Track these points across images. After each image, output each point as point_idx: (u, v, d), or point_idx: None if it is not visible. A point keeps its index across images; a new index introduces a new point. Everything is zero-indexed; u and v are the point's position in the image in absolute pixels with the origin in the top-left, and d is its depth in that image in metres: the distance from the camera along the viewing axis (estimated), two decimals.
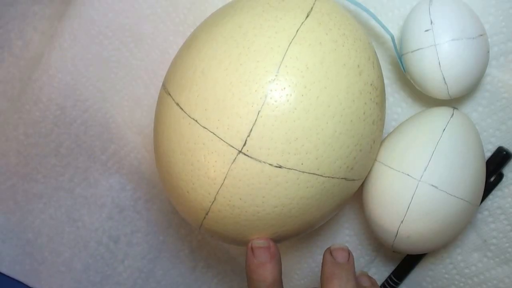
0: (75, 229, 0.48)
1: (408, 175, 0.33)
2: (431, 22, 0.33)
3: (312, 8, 0.32)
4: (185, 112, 0.31)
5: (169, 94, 0.33)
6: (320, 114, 0.30)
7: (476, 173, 0.34)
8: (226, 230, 0.33)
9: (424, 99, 0.38)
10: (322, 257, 0.34)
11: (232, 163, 0.31)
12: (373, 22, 0.38)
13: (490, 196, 0.38)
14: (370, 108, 0.32)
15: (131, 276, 0.48)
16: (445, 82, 0.34)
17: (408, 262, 0.40)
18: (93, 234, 0.48)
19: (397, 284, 0.41)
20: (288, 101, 0.30)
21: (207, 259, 0.48)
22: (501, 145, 0.37)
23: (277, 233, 0.33)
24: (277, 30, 0.31)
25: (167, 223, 0.48)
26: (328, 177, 0.32)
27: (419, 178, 0.33)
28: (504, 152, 0.37)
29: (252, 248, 0.33)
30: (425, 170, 0.33)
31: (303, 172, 0.31)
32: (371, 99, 0.32)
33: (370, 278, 0.36)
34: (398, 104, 0.39)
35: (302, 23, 0.31)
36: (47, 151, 0.48)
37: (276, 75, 0.30)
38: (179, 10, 0.43)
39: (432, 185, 0.33)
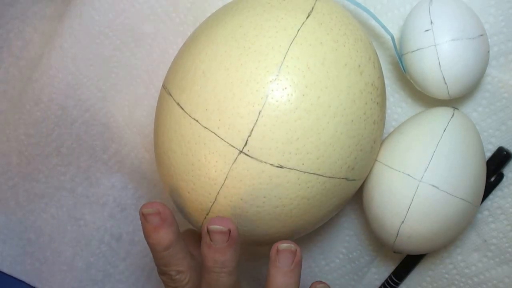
0: (76, 228, 0.48)
1: (408, 175, 0.33)
2: (431, 22, 0.33)
3: (313, 8, 0.32)
4: (186, 112, 0.31)
5: (170, 94, 0.33)
6: (321, 114, 0.30)
7: (477, 173, 0.34)
8: None
9: (424, 99, 0.38)
10: (321, 257, 0.34)
11: (233, 163, 0.30)
12: (373, 22, 0.38)
13: (490, 196, 0.38)
14: (371, 108, 0.32)
15: (133, 274, 0.48)
16: (445, 82, 0.34)
17: (408, 262, 0.40)
18: (94, 233, 0.48)
19: (397, 284, 0.41)
20: (289, 101, 0.30)
21: None
22: (501, 145, 0.37)
23: (277, 233, 0.33)
24: (278, 30, 0.31)
25: None
26: (329, 177, 0.31)
27: (420, 178, 0.33)
28: (504, 152, 0.36)
29: (143, 214, 0.32)
30: (426, 170, 0.33)
31: (304, 172, 0.31)
32: (371, 99, 0.32)
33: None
34: (398, 104, 0.39)
35: (303, 23, 0.31)
36: (48, 151, 0.47)
37: (277, 75, 0.30)
38: (180, 10, 0.43)
39: (433, 186, 0.33)
